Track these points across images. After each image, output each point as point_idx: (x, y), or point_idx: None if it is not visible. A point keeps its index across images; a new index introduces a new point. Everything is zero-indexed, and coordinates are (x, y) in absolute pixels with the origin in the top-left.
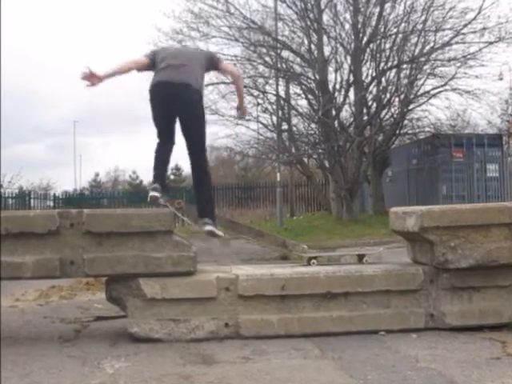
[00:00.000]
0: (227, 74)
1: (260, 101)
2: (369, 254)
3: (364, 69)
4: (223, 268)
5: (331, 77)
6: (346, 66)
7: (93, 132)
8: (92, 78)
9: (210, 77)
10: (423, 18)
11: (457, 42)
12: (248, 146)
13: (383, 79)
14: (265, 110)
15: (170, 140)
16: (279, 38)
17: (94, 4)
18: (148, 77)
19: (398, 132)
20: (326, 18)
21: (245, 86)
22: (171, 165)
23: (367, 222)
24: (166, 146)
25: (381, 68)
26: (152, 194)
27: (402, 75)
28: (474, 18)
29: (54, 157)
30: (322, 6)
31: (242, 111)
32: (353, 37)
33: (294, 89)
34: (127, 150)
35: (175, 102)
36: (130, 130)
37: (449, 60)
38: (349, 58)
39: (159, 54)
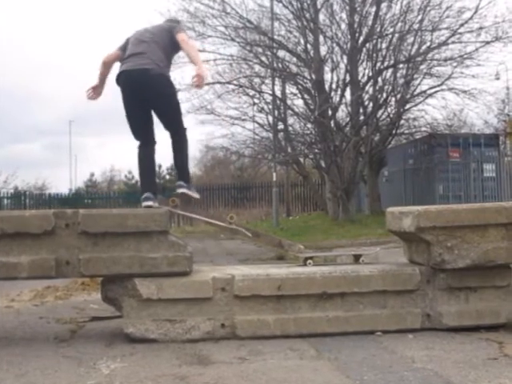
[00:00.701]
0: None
1: (256, 100)
2: (365, 255)
3: (360, 68)
4: (220, 268)
5: (327, 76)
6: (342, 65)
7: (89, 132)
8: (94, 92)
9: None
10: (420, 17)
11: (453, 42)
12: (244, 145)
13: (379, 79)
14: (261, 110)
15: (149, 140)
16: (275, 37)
17: (91, 2)
18: None
19: (394, 132)
20: (322, 17)
21: (240, 86)
22: (167, 165)
23: (364, 222)
24: (147, 149)
25: (377, 68)
26: (145, 203)
27: (398, 75)
28: (471, 18)
29: (50, 156)
30: (318, 6)
31: (196, 78)
32: (349, 36)
33: (290, 88)
34: (123, 149)
35: (138, 89)
36: (125, 130)
37: (445, 60)
38: (345, 57)
39: (128, 42)
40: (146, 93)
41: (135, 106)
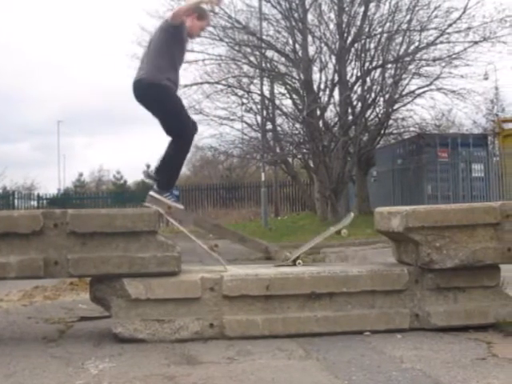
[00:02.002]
0: (176, 19)
1: (244, 100)
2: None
3: (349, 68)
4: (208, 268)
5: (316, 76)
6: (330, 65)
7: (77, 132)
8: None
9: (195, 76)
10: (408, 17)
11: (442, 42)
12: (232, 145)
13: (368, 79)
14: (249, 110)
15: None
16: (264, 37)
17: (80, 3)
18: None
19: (382, 132)
20: (310, 17)
21: (229, 86)
22: (156, 164)
23: (352, 222)
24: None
25: (366, 68)
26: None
27: (386, 75)
28: (459, 18)
29: (39, 156)
30: (307, 6)
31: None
32: (337, 36)
33: (279, 88)
34: (111, 149)
35: (137, 100)
36: (114, 131)
37: (434, 60)
38: (333, 57)
39: None
40: (142, 103)
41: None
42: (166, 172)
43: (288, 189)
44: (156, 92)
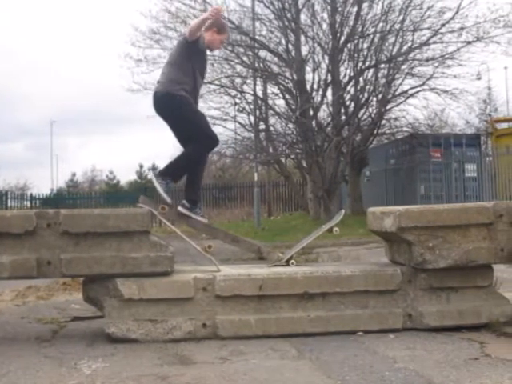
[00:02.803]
0: (192, 36)
1: (237, 100)
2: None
3: (342, 68)
4: (201, 268)
5: (309, 76)
6: (323, 65)
7: (70, 132)
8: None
9: None
10: (401, 17)
11: (435, 42)
12: (225, 145)
13: (361, 79)
14: (242, 110)
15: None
16: (257, 37)
17: (74, 4)
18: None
19: (375, 132)
20: (303, 17)
21: (222, 86)
22: (149, 164)
23: (345, 222)
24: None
25: (358, 68)
26: (179, 208)
27: (379, 75)
28: (452, 18)
29: (32, 156)
30: (300, 6)
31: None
32: (330, 36)
33: (272, 88)
34: (104, 150)
35: (158, 114)
36: (107, 131)
37: (427, 60)
38: (326, 57)
39: None
40: (161, 115)
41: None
42: (191, 186)
43: (281, 189)
44: (172, 102)
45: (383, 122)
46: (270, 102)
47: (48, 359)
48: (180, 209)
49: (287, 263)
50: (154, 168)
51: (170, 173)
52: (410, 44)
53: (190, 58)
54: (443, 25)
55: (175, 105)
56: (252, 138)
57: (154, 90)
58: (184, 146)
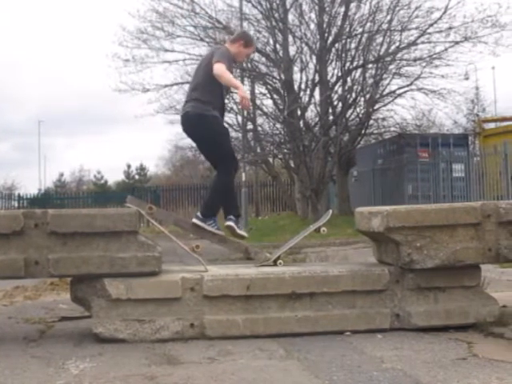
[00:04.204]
0: (218, 78)
1: (225, 100)
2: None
3: (329, 68)
4: (189, 268)
5: (296, 76)
6: (311, 65)
7: (58, 132)
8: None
9: (175, 76)
10: (389, 17)
11: (422, 42)
12: None
13: (349, 79)
14: (230, 110)
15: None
16: None
17: (60, 3)
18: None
19: (363, 132)
20: (291, 17)
21: None
22: (136, 164)
23: (333, 222)
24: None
25: (346, 68)
26: (228, 223)
27: (367, 75)
28: (440, 18)
29: (19, 157)
30: (288, 6)
31: (241, 101)
32: (318, 36)
33: (260, 88)
34: (92, 150)
35: (188, 134)
36: (94, 131)
37: (414, 60)
38: (314, 57)
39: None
40: (191, 134)
41: (197, 146)
42: (210, 201)
43: (269, 189)
44: (205, 122)
45: (371, 121)
46: (258, 101)
47: (35, 359)
48: (195, 221)
49: (275, 263)
50: (142, 168)
51: (212, 212)
52: (397, 44)
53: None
54: (431, 25)
55: (208, 124)
56: (240, 137)
57: (183, 111)
58: (213, 163)
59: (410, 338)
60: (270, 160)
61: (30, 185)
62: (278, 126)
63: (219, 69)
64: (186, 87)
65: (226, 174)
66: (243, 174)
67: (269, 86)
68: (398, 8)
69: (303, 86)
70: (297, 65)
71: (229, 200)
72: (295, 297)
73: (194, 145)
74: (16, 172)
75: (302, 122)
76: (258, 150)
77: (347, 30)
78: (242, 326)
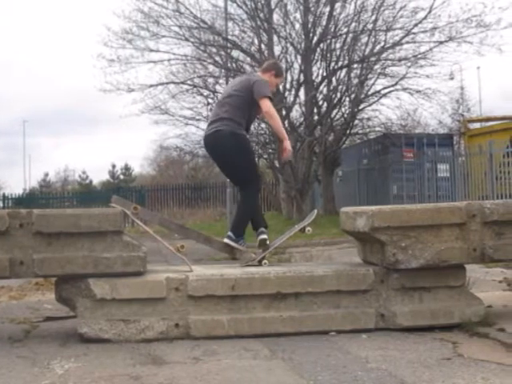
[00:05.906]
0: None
1: (210, 100)
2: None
3: (314, 68)
4: (174, 268)
5: None
6: (296, 65)
7: (43, 132)
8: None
9: (160, 76)
10: (374, 17)
11: (407, 42)
12: (198, 145)
13: (334, 79)
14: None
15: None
16: (229, 37)
17: (46, 2)
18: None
19: (348, 132)
20: (276, 17)
21: (194, 86)
22: (121, 164)
23: (318, 221)
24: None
25: (331, 68)
26: (262, 236)
27: (352, 75)
28: (425, 18)
29: (4, 157)
30: (273, 6)
31: (285, 153)
32: (303, 36)
33: None
34: (77, 149)
35: (210, 151)
36: (79, 131)
37: (399, 60)
38: (299, 57)
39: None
40: (217, 152)
41: (220, 167)
42: (240, 222)
43: None
44: (236, 141)
45: (356, 121)
46: None
47: (20, 359)
48: (227, 240)
49: (260, 263)
50: (127, 168)
51: (242, 231)
52: (382, 44)
53: (251, 105)
54: (416, 25)
55: (238, 143)
56: None
57: (212, 129)
58: (235, 182)
59: (395, 337)
60: None
61: (15, 185)
62: (263, 125)
63: (271, 109)
64: (171, 87)
65: (252, 196)
66: None
67: None
68: (382, 8)
69: (288, 86)
70: (282, 65)
71: (255, 216)
72: (280, 297)
73: (179, 145)
74: (1, 172)
75: (286, 122)
76: None
77: (332, 29)
78: (226, 326)
